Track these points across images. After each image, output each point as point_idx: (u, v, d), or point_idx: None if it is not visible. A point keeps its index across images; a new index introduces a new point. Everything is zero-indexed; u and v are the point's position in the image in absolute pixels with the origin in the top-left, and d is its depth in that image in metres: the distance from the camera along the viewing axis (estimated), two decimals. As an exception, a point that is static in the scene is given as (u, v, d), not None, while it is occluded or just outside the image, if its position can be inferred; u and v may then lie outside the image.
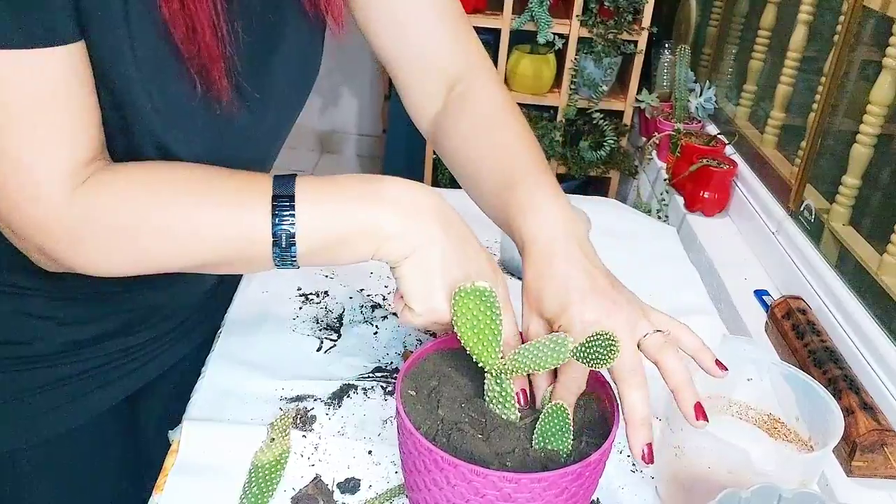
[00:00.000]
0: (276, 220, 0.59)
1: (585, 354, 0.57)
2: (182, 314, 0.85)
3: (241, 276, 0.99)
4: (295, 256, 0.61)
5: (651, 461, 0.59)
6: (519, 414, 0.63)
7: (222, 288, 0.91)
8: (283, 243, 0.60)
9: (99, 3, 0.55)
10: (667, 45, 2.10)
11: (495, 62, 2.20)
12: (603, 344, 0.56)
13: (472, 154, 0.77)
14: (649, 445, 0.59)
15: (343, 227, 0.61)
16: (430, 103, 0.82)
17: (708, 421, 0.59)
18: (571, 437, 0.60)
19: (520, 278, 1.02)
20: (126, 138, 0.62)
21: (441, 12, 0.80)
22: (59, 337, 0.74)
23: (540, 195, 0.68)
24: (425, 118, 0.83)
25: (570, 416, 0.59)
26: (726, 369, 0.62)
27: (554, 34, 2.10)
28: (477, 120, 0.78)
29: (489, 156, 0.75)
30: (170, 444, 0.73)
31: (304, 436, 0.73)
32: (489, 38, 2.25)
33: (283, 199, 0.60)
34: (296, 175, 0.62)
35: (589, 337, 0.57)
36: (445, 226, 0.63)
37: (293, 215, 0.59)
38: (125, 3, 0.56)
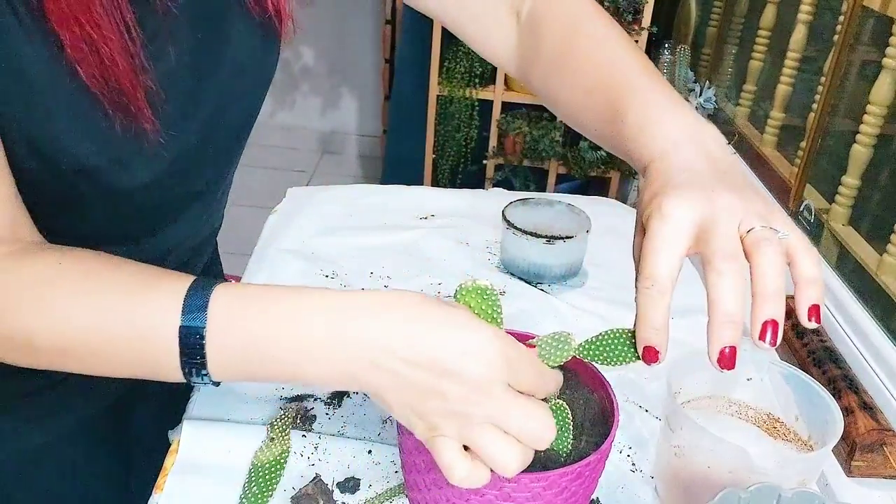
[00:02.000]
0: (185, 354, 0.52)
1: (597, 352, 0.56)
2: None
3: (241, 278, 0.99)
4: (209, 379, 0.54)
5: (730, 366, 0.49)
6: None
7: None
8: (193, 376, 0.53)
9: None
10: (667, 45, 2.10)
11: (495, 62, 2.20)
12: (618, 340, 0.55)
13: (561, 81, 0.65)
14: (732, 349, 0.49)
15: (261, 372, 0.54)
16: (506, 41, 0.72)
17: (776, 343, 0.49)
18: (571, 436, 0.60)
19: (520, 278, 1.02)
20: (60, 181, 0.59)
21: None
22: None
23: (654, 110, 0.56)
24: (510, 59, 0.72)
25: (570, 416, 0.59)
26: (819, 321, 0.51)
27: (554, 34, 2.10)
28: (555, 39, 0.67)
29: (580, 79, 0.63)
30: (161, 449, 0.73)
31: (303, 435, 0.73)
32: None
33: (191, 332, 0.52)
34: (212, 289, 0.53)
35: (599, 334, 0.56)
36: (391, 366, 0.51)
37: (203, 348, 0.52)
38: (24, 58, 0.52)
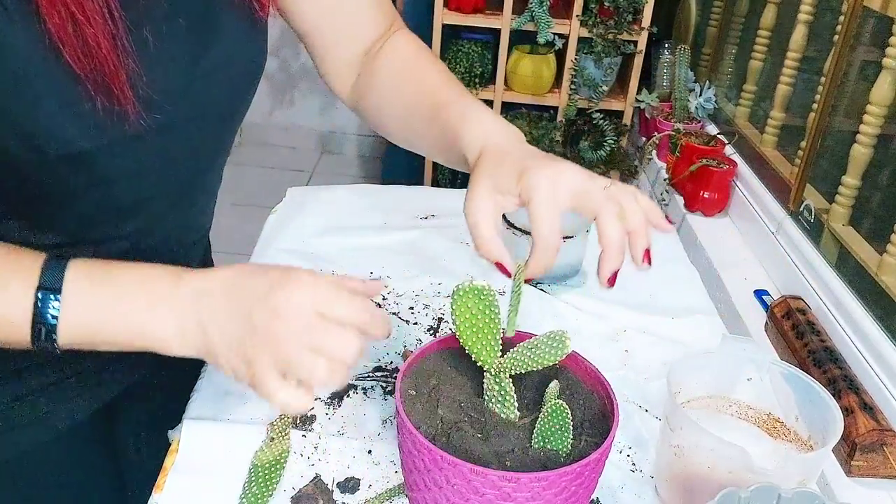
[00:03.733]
0: (38, 313, 0.57)
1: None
2: None
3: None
4: (56, 348, 0.59)
5: (613, 284, 0.62)
6: (518, 413, 0.63)
7: None
8: (42, 336, 0.58)
9: None
10: (667, 45, 2.10)
11: (495, 62, 2.20)
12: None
13: (396, 102, 0.76)
14: (616, 272, 0.62)
15: (110, 332, 0.59)
16: (348, 71, 0.81)
17: (650, 265, 0.63)
18: (571, 436, 0.60)
19: (520, 278, 1.02)
20: (47, 169, 0.60)
21: None
22: (25, 350, 0.72)
23: (475, 109, 0.69)
24: (345, 87, 0.82)
25: (570, 416, 0.59)
26: (671, 225, 0.64)
27: (554, 34, 2.10)
28: (394, 72, 0.78)
29: (414, 98, 0.75)
30: (158, 449, 0.73)
31: (303, 435, 0.73)
32: (489, 38, 2.25)
33: (48, 292, 0.57)
34: (69, 261, 0.58)
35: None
36: (228, 302, 0.58)
37: (56, 309, 0.57)
38: (9, 43, 0.53)
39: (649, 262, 0.63)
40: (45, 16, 0.53)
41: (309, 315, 0.56)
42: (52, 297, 0.57)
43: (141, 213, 0.70)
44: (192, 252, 0.82)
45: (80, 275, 0.58)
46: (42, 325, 0.57)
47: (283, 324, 0.55)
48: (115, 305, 0.58)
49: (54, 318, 0.57)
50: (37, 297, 0.56)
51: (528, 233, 0.98)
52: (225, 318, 0.57)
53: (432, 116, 0.72)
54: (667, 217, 1.68)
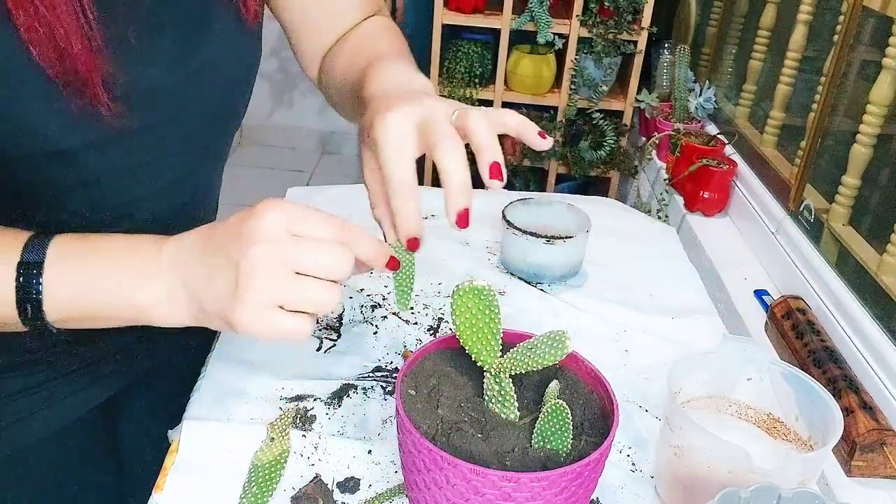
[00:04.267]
0: (22, 289, 0.56)
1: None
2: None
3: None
4: (44, 324, 0.58)
5: (465, 225, 0.58)
6: (518, 413, 0.63)
7: None
8: (29, 313, 0.57)
9: None
10: (666, 45, 2.10)
11: (495, 62, 2.20)
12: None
13: (342, 73, 0.76)
14: (466, 210, 0.58)
15: (98, 305, 0.57)
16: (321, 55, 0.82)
17: (503, 181, 0.58)
18: (571, 436, 0.60)
19: (520, 278, 1.02)
20: (35, 168, 0.60)
21: None
22: (27, 344, 0.71)
23: (388, 63, 0.67)
24: (315, 68, 0.83)
25: (570, 416, 0.59)
26: (545, 138, 0.61)
27: (554, 34, 2.10)
28: (348, 48, 0.77)
29: (352, 64, 0.74)
30: (158, 449, 0.73)
31: (303, 435, 0.73)
32: (489, 38, 2.25)
33: (30, 267, 0.56)
34: (52, 237, 0.58)
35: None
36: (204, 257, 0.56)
37: (40, 284, 0.56)
38: None
39: (501, 178, 0.58)
40: (13, 14, 0.52)
41: (283, 236, 0.53)
42: (34, 272, 0.56)
43: (133, 214, 0.69)
44: None
45: (64, 249, 0.57)
46: (28, 301, 0.56)
47: (261, 250, 0.53)
48: (101, 279, 0.57)
49: (38, 293, 0.56)
50: (19, 273, 0.55)
51: (528, 233, 0.98)
52: (205, 271, 0.55)
53: (357, 79, 0.70)
54: (666, 216, 1.69)
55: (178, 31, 0.64)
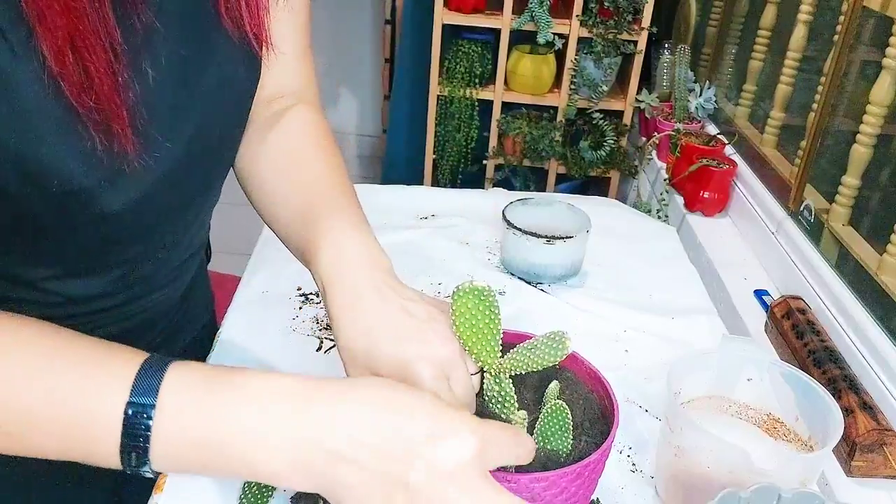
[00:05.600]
0: (126, 444, 0.48)
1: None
2: (159, 324, 0.81)
3: (241, 278, 0.99)
4: (148, 470, 0.50)
5: None
6: (518, 413, 0.63)
7: (195, 293, 0.87)
8: (133, 462, 0.49)
9: None
10: (667, 45, 2.10)
11: (495, 62, 2.20)
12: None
13: (273, 192, 0.72)
14: None
15: (208, 463, 0.49)
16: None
17: None
18: (571, 436, 0.60)
19: (520, 278, 1.02)
20: (49, 205, 0.57)
21: (294, 31, 0.75)
22: None
23: (338, 230, 0.64)
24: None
25: (570, 416, 0.59)
26: None
27: (554, 34, 2.10)
28: (280, 156, 0.73)
29: (289, 197, 0.70)
30: None
31: (303, 435, 0.73)
32: (489, 38, 2.25)
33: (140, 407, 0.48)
34: (168, 365, 0.50)
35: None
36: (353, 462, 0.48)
37: (149, 431, 0.47)
38: (12, 77, 0.50)
39: None
40: (42, 41, 0.50)
41: (481, 482, 0.48)
42: (145, 411, 0.48)
43: (141, 242, 0.69)
44: (188, 267, 0.81)
45: (183, 385, 0.49)
46: (133, 447, 0.48)
47: (452, 497, 0.47)
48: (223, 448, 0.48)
49: (146, 438, 0.48)
50: (126, 414, 0.47)
51: (528, 233, 0.98)
52: (372, 460, 0.47)
53: (297, 226, 0.68)
54: (666, 216, 1.69)
55: (191, 60, 0.63)
